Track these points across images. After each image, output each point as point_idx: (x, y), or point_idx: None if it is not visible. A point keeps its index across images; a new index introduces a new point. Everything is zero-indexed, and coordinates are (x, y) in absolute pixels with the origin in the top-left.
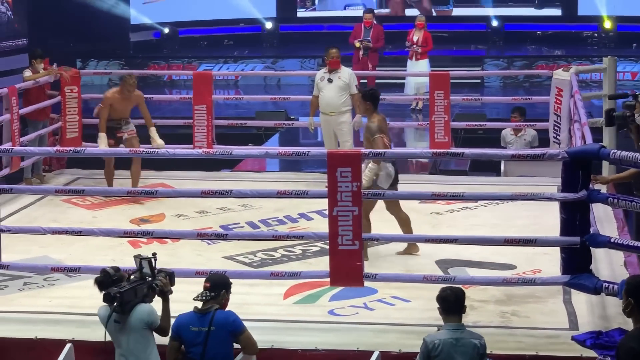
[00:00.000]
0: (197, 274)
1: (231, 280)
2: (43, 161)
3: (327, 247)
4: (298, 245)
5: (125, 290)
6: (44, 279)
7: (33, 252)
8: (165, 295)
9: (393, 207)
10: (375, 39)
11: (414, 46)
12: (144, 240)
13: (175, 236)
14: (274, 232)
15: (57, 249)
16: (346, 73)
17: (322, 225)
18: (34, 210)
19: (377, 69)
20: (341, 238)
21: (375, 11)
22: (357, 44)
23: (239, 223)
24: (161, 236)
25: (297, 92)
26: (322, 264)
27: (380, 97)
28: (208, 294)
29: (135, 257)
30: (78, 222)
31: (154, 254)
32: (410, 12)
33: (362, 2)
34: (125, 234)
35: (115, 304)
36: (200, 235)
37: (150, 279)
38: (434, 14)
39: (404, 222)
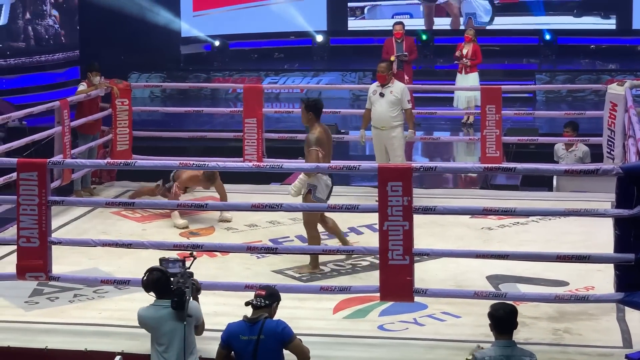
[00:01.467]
0: (247, 287)
1: (280, 294)
2: (92, 173)
3: (377, 261)
4: (348, 259)
5: (188, 288)
6: (94, 291)
7: (83, 264)
8: (199, 293)
9: (310, 221)
10: (409, 51)
11: (463, 59)
12: (194, 253)
13: (225, 249)
14: (324, 246)
15: (106, 261)
16: (398, 87)
17: (372, 240)
18: (84, 222)
19: (415, 81)
20: (391, 253)
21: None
22: (393, 58)
23: (288, 237)
24: (211, 249)
25: (338, 106)
26: (372, 278)
27: (429, 110)
28: (262, 301)
29: (162, 259)
30: (128, 235)
31: (192, 254)
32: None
33: (410, 11)
34: (175, 246)
35: (175, 300)
36: (250, 249)
37: (180, 278)
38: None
39: (314, 240)
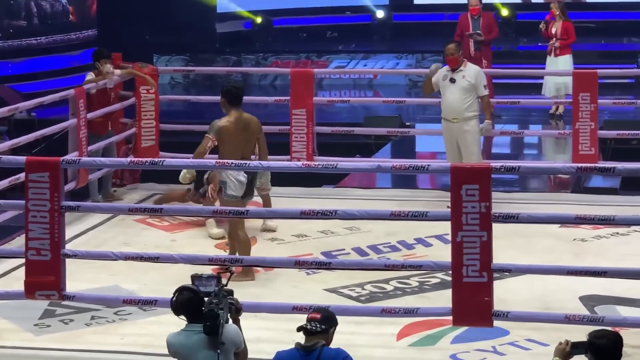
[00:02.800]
0: (295, 309)
1: (337, 317)
2: (114, 174)
3: (449, 279)
4: (414, 276)
5: (224, 309)
6: (115, 312)
7: (102, 281)
8: (239, 314)
9: (234, 225)
10: (487, 29)
11: (552, 40)
12: (232, 268)
13: (269, 264)
14: (386, 260)
15: (129, 277)
16: (472, 71)
17: (443, 253)
18: (103, 231)
19: (494, 65)
20: (466, 269)
21: None
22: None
23: (344, 249)
24: (252, 264)
25: (393, 94)
26: (443, 299)
27: (511, 99)
28: (318, 325)
29: (194, 276)
30: (154, 247)
31: (229, 268)
32: None
33: None
34: (210, 261)
35: (208, 324)
36: (299, 264)
37: (213, 297)
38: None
39: (244, 244)
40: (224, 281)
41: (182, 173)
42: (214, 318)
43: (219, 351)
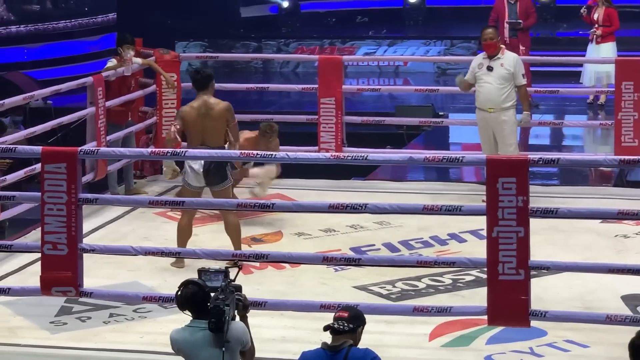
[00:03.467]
0: (322, 307)
1: (366, 315)
2: (133, 165)
3: (484, 276)
4: (448, 273)
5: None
6: (134, 310)
7: (120, 277)
8: (247, 311)
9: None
10: (524, 14)
11: (594, 27)
12: (256, 264)
13: (295, 260)
14: (418, 256)
15: (149, 273)
16: (510, 59)
17: (478, 249)
18: (122, 225)
19: (531, 52)
20: (502, 266)
21: None
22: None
23: (374, 245)
24: (278, 260)
25: (420, 82)
26: (478, 297)
27: (550, 88)
28: (345, 324)
29: (201, 270)
30: (175, 241)
31: (236, 263)
32: None
33: None
34: (234, 256)
35: (213, 321)
36: (327, 260)
37: (220, 293)
38: None
39: (234, 229)
40: (232, 276)
41: (164, 170)
42: (220, 315)
43: (224, 349)
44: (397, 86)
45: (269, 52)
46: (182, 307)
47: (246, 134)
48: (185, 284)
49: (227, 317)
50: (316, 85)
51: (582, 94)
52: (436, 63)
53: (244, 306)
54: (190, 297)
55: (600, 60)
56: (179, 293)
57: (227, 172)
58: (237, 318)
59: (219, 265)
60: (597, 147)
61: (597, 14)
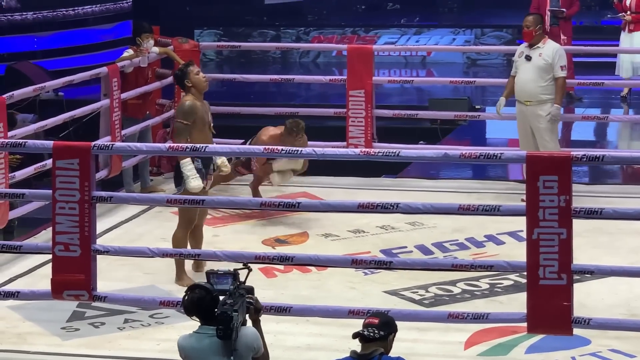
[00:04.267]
0: (351, 313)
1: (398, 322)
2: (150, 161)
3: (524, 281)
4: (484, 277)
5: (239, 311)
6: (151, 315)
7: (136, 281)
8: (259, 315)
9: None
10: (567, 2)
11: (624, 13)
12: (281, 267)
13: (322, 263)
14: (453, 259)
15: (167, 276)
16: (550, 49)
17: (517, 252)
18: (138, 225)
19: (574, 41)
20: (543, 269)
21: None
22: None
23: (406, 247)
24: (304, 263)
25: (446, 73)
26: (517, 303)
27: (593, 80)
28: (376, 331)
29: (209, 273)
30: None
31: (246, 264)
32: None
33: None
34: (257, 258)
35: (220, 328)
36: (356, 263)
37: (228, 297)
38: None
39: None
40: (242, 278)
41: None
42: (227, 321)
43: (232, 357)
44: (430, 78)
45: (288, 41)
46: (189, 313)
47: (270, 131)
48: (192, 288)
49: (236, 323)
50: (344, 77)
51: (634, 87)
52: (465, 53)
53: (256, 309)
54: (197, 302)
55: (632, 50)
56: (185, 298)
57: (182, 179)
58: (249, 322)
59: (228, 267)
60: (631, 142)
61: (630, 0)
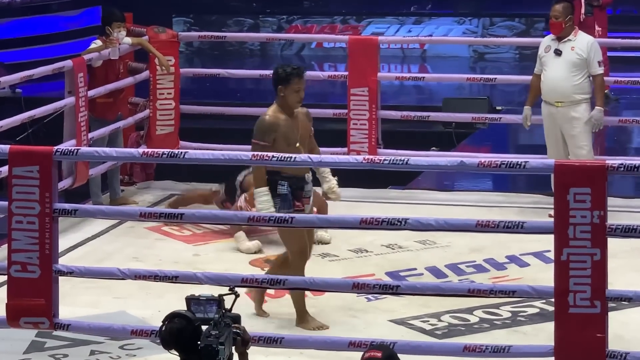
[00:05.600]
0: (352, 345)
1: (404, 356)
2: (121, 169)
3: (551, 309)
4: (506, 304)
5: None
6: (121, 346)
7: (105, 306)
8: (247, 348)
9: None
10: None
11: None
12: (271, 292)
13: (319, 287)
14: (470, 284)
15: (140, 301)
16: (584, 42)
17: (543, 276)
18: (107, 242)
19: (610, 33)
20: (573, 296)
21: None
22: None
23: (415, 269)
24: (298, 287)
25: (449, 69)
26: (543, 334)
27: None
28: None
29: (190, 299)
30: (172, 262)
31: (232, 288)
32: None
33: None
34: (244, 281)
35: None
36: (357, 287)
37: (212, 328)
38: None
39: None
40: (227, 305)
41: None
42: (212, 355)
43: None
44: (444, 74)
45: (268, 30)
46: (167, 346)
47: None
48: (171, 317)
49: (222, 358)
50: (344, 73)
51: None
52: (472, 46)
53: (244, 341)
54: (177, 333)
55: None
56: (163, 328)
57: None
58: (235, 356)
59: (212, 292)
60: None
61: None
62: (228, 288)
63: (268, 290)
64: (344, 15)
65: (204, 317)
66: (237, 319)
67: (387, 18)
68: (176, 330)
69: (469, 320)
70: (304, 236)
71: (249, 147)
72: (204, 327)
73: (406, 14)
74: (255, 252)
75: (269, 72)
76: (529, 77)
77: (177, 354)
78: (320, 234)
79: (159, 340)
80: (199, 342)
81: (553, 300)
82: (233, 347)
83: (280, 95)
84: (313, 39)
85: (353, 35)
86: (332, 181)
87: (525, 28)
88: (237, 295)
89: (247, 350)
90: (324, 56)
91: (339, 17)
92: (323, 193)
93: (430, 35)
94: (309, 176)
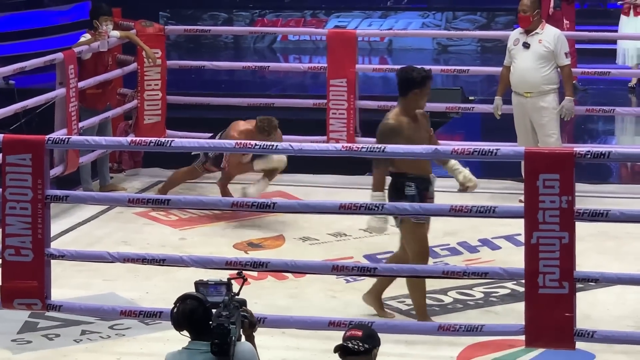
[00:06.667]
0: (331, 325)
1: (383, 334)
2: (110, 157)
3: (522, 289)
4: (478, 286)
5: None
6: (110, 326)
7: (95, 288)
8: (254, 330)
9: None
10: None
11: None
12: (254, 274)
13: (300, 269)
14: (444, 266)
15: (128, 283)
16: (551, 35)
17: (514, 258)
18: (97, 227)
19: (577, 26)
20: (543, 277)
21: None
22: None
23: (392, 252)
24: (279, 269)
25: (416, 60)
26: (514, 314)
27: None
28: (360, 344)
29: (199, 283)
30: (159, 246)
31: (240, 273)
32: None
33: None
34: (228, 264)
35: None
36: (337, 269)
37: (223, 309)
38: None
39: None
40: (235, 289)
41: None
42: (225, 335)
43: None
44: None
45: (241, 24)
46: (179, 327)
47: (241, 126)
48: (183, 299)
49: (233, 338)
50: (323, 65)
51: (618, 77)
52: (436, 39)
53: (250, 324)
54: (189, 314)
55: (636, 37)
56: (175, 310)
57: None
58: (243, 338)
59: (220, 276)
60: (635, 138)
61: None
62: (236, 273)
63: (251, 273)
64: (314, 9)
65: (213, 301)
66: (243, 302)
67: (354, 12)
68: (189, 311)
69: (444, 301)
70: (426, 237)
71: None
72: (213, 310)
73: (373, 8)
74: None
75: (251, 64)
76: (498, 69)
77: (188, 334)
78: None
79: (147, 321)
80: (210, 322)
81: (523, 281)
82: (241, 330)
83: (409, 98)
84: (293, 32)
85: (316, 28)
86: (465, 171)
87: (487, 21)
88: (245, 280)
89: (254, 333)
90: (294, 49)
91: (309, 11)
92: (460, 184)
93: (391, 29)
94: (433, 177)
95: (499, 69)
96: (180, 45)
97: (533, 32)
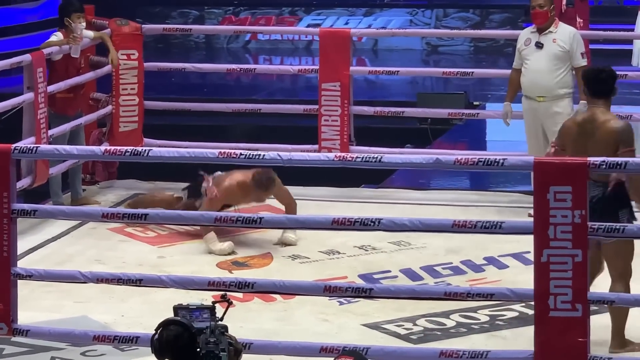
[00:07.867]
0: (323, 350)
1: None
2: (83, 168)
3: (531, 312)
4: (484, 308)
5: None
6: (82, 352)
7: (66, 311)
8: (239, 358)
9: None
10: None
11: None
12: (239, 295)
13: (289, 290)
14: (446, 287)
15: (102, 306)
16: (566, 34)
17: (522, 278)
18: (68, 244)
19: (591, 25)
20: (554, 299)
21: None
22: None
23: (389, 271)
24: (267, 290)
25: (404, 62)
26: (523, 339)
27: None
28: None
29: (178, 308)
30: (136, 265)
31: (224, 296)
32: None
33: None
34: (211, 285)
35: None
36: (329, 290)
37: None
38: None
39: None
40: (219, 313)
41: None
42: None
43: None
44: (419, 68)
45: (213, 22)
46: (160, 355)
47: (236, 176)
48: (166, 324)
49: None
50: (313, 67)
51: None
52: (425, 38)
53: (236, 351)
54: (174, 340)
55: None
56: (157, 337)
57: None
58: None
59: (201, 297)
60: None
61: None
62: (221, 295)
63: (236, 294)
64: (292, 7)
65: (198, 326)
66: (225, 328)
67: (336, 10)
68: (173, 337)
69: (446, 325)
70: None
71: (215, 144)
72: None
73: (356, 5)
74: (228, 254)
75: (235, 66)
76: (508, 71)
77: None
78: (286, 235)
79: (123, 346)
80: (198, 349)
81: (533, 303)
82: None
83: (610, 98)
84: (279, 32)
85: (288, 26)
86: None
87: (480, 20)
88: (230, 303)
89: None
90: (271, 49)
91: (287, 8)
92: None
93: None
94: None
95: (493, 70)
96: (148, 45)
97: (546, 31)
